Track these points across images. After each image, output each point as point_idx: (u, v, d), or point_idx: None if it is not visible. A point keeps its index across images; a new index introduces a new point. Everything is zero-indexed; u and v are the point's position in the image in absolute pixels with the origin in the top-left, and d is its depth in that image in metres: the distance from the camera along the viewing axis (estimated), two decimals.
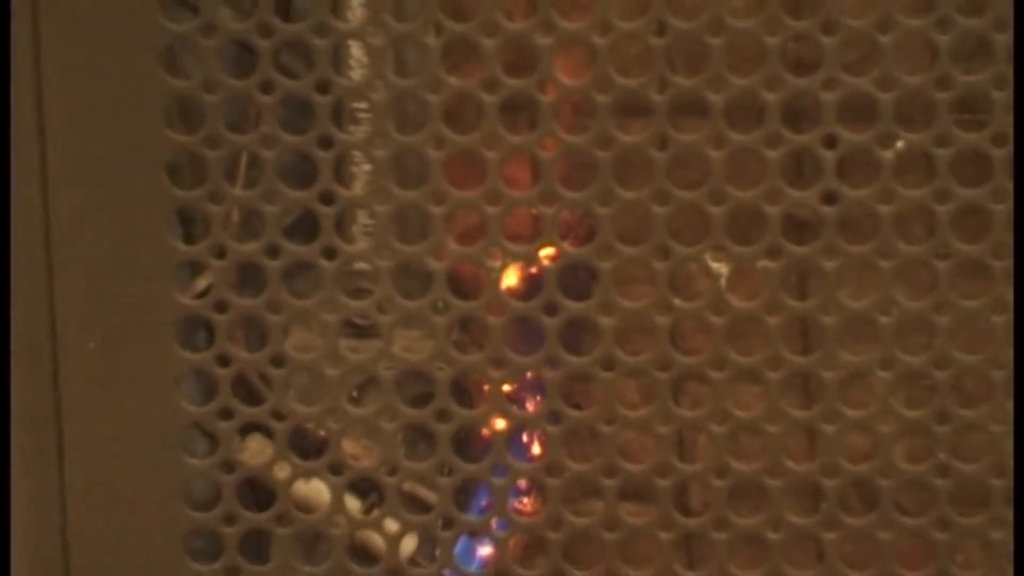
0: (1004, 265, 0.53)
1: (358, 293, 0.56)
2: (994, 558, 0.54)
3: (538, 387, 0.57)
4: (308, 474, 0.57)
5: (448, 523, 0.56)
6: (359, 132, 0.56)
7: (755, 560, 0.55)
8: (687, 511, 0.56)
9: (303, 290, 0.56)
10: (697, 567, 0.56)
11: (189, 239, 0.56)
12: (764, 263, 0.54)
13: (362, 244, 0.57)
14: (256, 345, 0.57)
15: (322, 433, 0.57)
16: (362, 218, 0.58)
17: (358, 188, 0.57)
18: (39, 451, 0.56)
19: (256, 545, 0.57)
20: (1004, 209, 0.52)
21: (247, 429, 0.57)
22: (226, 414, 0.56)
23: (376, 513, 0.57)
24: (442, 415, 0.56)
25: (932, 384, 0.54)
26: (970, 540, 0.54)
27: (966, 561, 0.55)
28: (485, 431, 0.57)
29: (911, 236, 0.53)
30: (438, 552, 0.57)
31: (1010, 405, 0.54)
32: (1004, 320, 0.53)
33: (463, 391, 0.57)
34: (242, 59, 0.54)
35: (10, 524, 0.58)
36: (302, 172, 0.55)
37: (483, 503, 0.57)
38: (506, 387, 0.57)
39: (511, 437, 0.57)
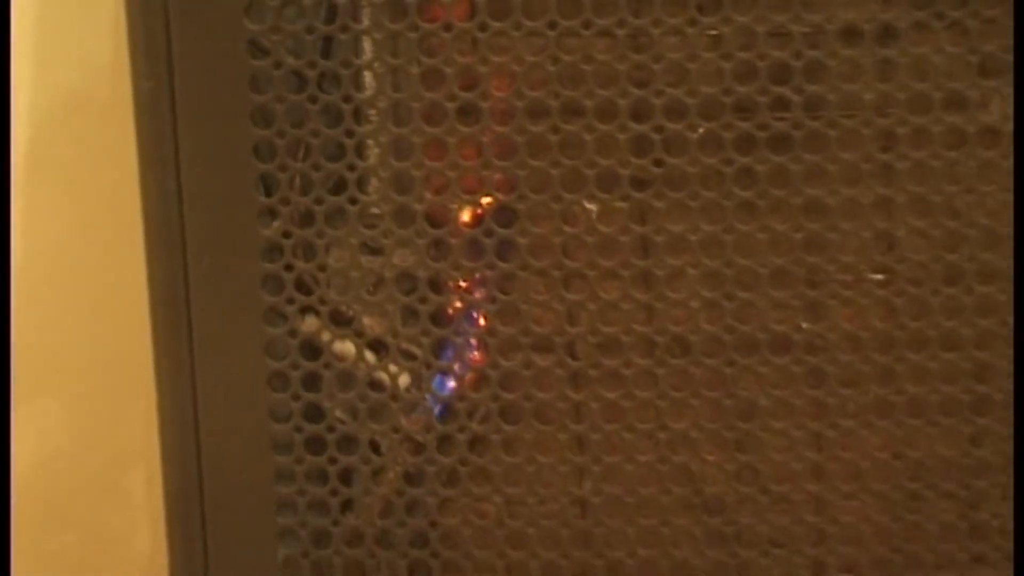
0: (765, 203, 0.64)
1: (371, 226, 0.65)
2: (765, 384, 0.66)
3: (482, 282, 0.65)
4: (342, 338, 0.66)
5: (428, 366, 0.67)
6: (370, 127, 0.64)
7: (615, 386, 0.66)
8: (574, 357, 0.66)
9: (338, 224, 0.65)
10: (580, 392, 0.66)
11: (268, 194, 0.64)
12: (619, 203, 0.64)
13: (374, 196, 0.64)
14: (309, 258, 0.65)
15: (350, 312, 0.66)
16: (374, 181, 0.64)
17: (371, 160, 0.64)
18: (175, 331, 0.66)
19: (311, 381, 0.67)
20: (765, 169, 0.64)
21: (304, 311, 0.66)
22: (291, 301, 0.66)
23: (384, 360, 0.67)
24: (423, 300, 0.66)
25: (718, 273, 0.65)
26: (748, 375, 0.66)
27: (746, 387, 0.66)
28: (450, 310, 0.66)
29: (709, 187, 0.64)
30: (423, 384, 0.67)
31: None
32: (767, 236, 0.64)
33: (437, 285, 0.65)
34: (298, 82, 0.63)
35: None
36: (336, 152, 0.64)
37: (450, 354, 0.66)
38: (462, 283, 0.66)
39: (466, 313, 0.66)
